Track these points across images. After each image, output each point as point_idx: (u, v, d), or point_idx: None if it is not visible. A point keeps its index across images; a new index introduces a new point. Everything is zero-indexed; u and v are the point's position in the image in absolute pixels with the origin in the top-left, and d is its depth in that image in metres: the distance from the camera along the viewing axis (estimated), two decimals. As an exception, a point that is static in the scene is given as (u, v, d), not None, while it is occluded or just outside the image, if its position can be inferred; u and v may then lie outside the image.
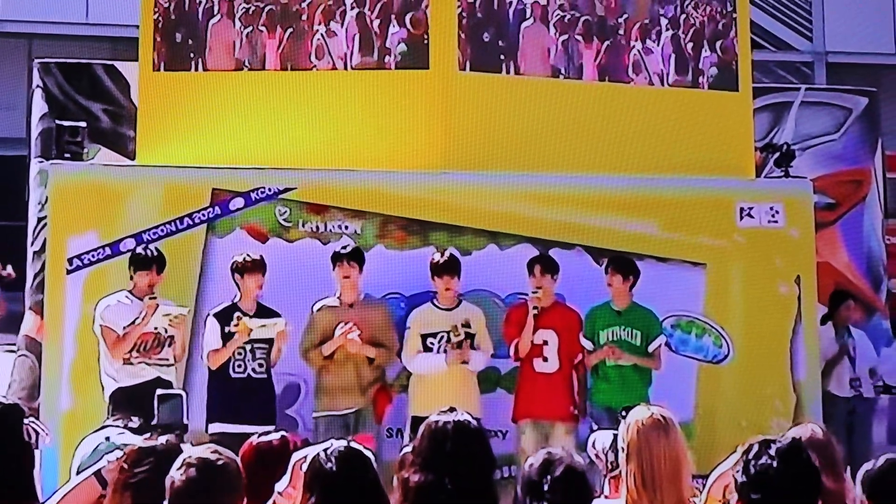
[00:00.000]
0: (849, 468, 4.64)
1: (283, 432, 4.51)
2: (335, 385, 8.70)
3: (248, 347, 8.57)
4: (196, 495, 3.52)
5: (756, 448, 3.58)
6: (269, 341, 8.61)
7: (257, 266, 8.66)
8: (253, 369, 8.60)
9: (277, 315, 8.64)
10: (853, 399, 10.37)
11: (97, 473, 3.88)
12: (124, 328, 8.49)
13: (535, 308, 8.78)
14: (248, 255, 8.73)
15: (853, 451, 9.48)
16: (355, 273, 8.77)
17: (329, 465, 3.71)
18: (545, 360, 8.84)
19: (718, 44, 10.31)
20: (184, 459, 3.59)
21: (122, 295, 8.63)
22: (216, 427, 8.32)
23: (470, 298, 9.01)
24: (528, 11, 9.87)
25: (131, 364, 8.51)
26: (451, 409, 4.27)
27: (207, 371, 8.69)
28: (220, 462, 3.59)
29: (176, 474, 3.54)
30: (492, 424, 8.82)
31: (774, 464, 3.51)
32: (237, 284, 8.71)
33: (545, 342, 8.85)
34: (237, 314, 8.59)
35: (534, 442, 8.61)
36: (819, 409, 9.43)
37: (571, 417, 8.78)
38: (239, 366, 8.58)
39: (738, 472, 3.56)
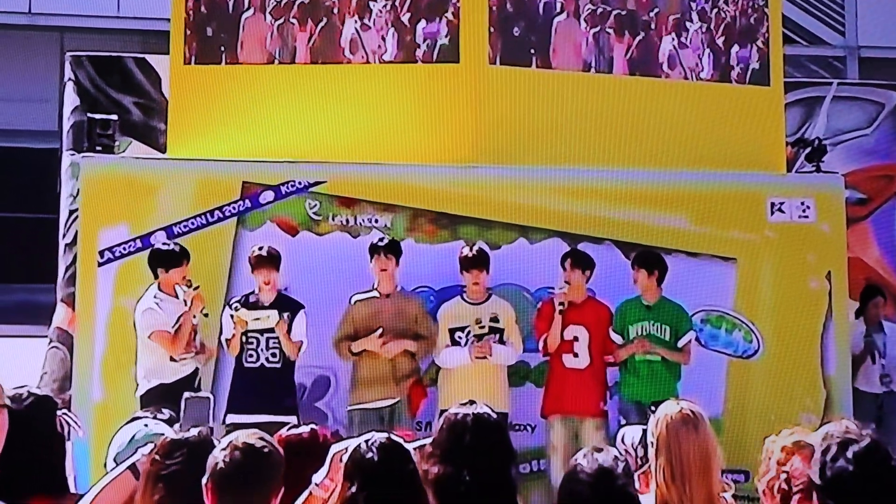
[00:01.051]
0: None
1: (312, 425, 4.51)
2: (371, 377, 8.70)
3: (262, 338, 8.56)
4: (237, 478, 3.52)
5: (834, 449, 3.39)
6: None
7: (263, 261, 8.62)
8: (266, 359, 8.59)
9: (301, 306, 8.65)
10: (882, 395, 10.30)
11: (132, 466, 3.89)
12: (173, 326, 8.48)
13: (561, 304, 8.75)
14: (258, 248, 8.72)
15: (884, 446, 9.39)
16: (392, 265, 8.77)
17: (370, 455, 3.74)
18: (575, 355, 8.81)
19: (750, 38, 10.26)
20: (230, 441, 3.59)
21: (153, 295, 8.59)
22: (231, 418, 8.28)
23: (499, 292, 9.00)
24: (560, 6, 9.85)
25: (175, 361, 8.51)
26: (471, 402, 4.27)
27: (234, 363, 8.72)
28: (265, 449, 3.60)
29: (220, 455, 3.55)
30: (520, 419, 8.85)
31: (851, 467, 3.33)
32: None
33: (576, 338, 8.83)
34: (236, 304, 8.61)
35: (563, 437, 8.61)
36: (850, 404, 9.39)
37: (601, 413, 8.76)
38: (251, 356, 8.58)
39: (814, 472, 3.42)
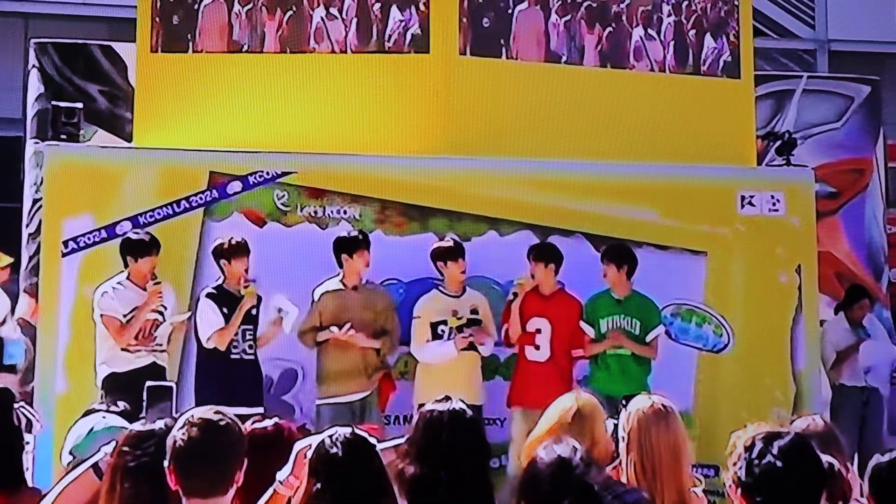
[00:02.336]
0: (856, 459, 4.59)
1: (276, 419, 4.45)
2: (340, 371, 8.63)
3: (240, 330, 8.53)
4: (197, 454, 3.48)
5: (760, 445, 3.40)
6: (255, 321, 8.57)
7: (243, 249, 8.60)
8: (244, 350, 8.56)
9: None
10: (866, 390, 10.31)
11: (94, 466, 3.82)
12: (125, 315, 8.44)
13: (514, 293, 8.75)
14: (232, 238, 8.66)
15: (865, 443, 9.44)
16: (363, 259, 8.72)
17: (334, 450, 3.69)
18: (537, 348, 8.80)
19: (720, 31, 10.24)
20: (186, 419, 3.55)
21: (118, 281, 8.57)
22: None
23: (470, 285, 8.95)
24: (528, -5, 9.81)
25: (128, 351, 8.46)
26: (447, 398, 4.23)
27: (198, 355, 8.63)
28: (222, 422, 3.55)
29: (177, 433, 3.51)
30: (490, 412, 8.79)
31: (779, 463, 3.34)
32: (222, 268, 8.63)
33: (538, 330, 8.80)
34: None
35: (524, 430, 8.56)
36: (819, 398, 9.40)
37: (563, 407, 8.70)
38: (235, 346, 8.54)
39: (740, 469, 3.42)
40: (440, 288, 8.86)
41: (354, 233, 8.82)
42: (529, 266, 8.84)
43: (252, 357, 8.59)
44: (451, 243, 8.87)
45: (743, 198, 9.56)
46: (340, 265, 8.72)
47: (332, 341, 8.62)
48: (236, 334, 8.54)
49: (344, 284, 8.74)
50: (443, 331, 8.75)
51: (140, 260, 8.53)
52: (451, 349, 8.68)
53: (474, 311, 8.79)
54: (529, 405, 8.63)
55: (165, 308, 8.61)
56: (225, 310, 8.51)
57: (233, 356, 8.54)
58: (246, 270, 8.60)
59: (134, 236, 8.69)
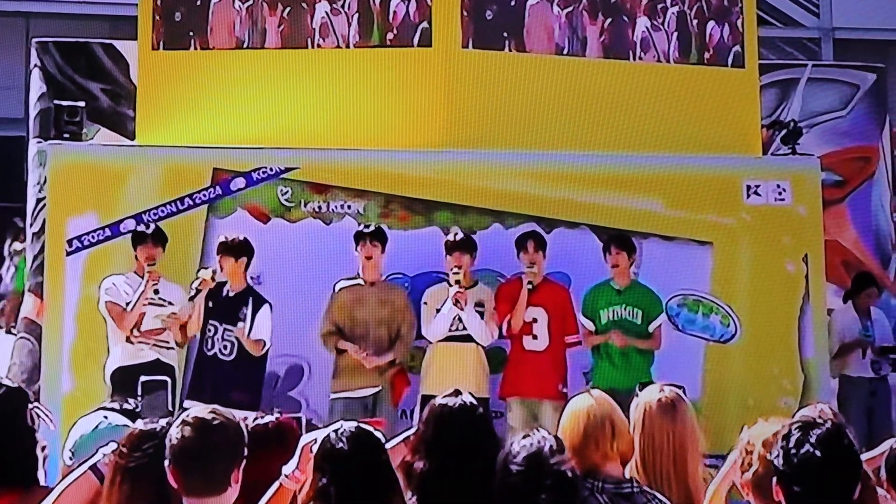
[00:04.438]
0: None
1: (277, 414, 4.43)
2: (354, 365, 8.64)
3: (220, 327, 8.52)
4: (193, 453, 3.49)
5: (797, 434, 3.34)
6: (234, 322, 8.50)
7: (228, 249, 8.59)
8: (220, 350, 8.54)
9: (265, 302, 8.56)
10: (873, 381, 10.28)
11: (93, 467, 3.81)
12: (127, 304, 8.46)
13: (530, 283, 8.73)
14: (226, 237, 8.68)
15: (873, 433, 9.39)
16: (377, 253, 8.72)
17: (340, 444, 3.67)
18: (535, 337, 8.80)
19: (724, 20, 10.20)
20: (182, 418, 3.56)
21: (125, 275, 8.61)
22: (187, 405, 8.08)
23: (475, 277, 8.92)
24: (534, -12, 9.77)
25: (131, 343, 8.47)
26: (457, 392, 4.20)
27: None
28: (215, 421, 3.55)
29: (174, 432, 3.53)
30: (495, 405, 8.78)
31: (818, 453, 3.29)
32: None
33: (535, 320, 8.81)
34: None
35: (521, 419, 8.56)
36: (828, 387, 9.37)
37: (559, 396, 8.68)
38: (207, 343, 8.56)
39: (776, 458, 3.35)
40: (449, 281, 8.84)
41: (372, 227, 8.78)
42: (525, 255, 8.81)
43: (229, 358, 8.52)
44: (458, 236, 8.83)
45: (749, 187, 9.54)
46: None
47: (347, 332, 8.64)
48: (212, 332, 8.52)
49: (364, 280, 8.73)
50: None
51: (139, 248, 8.56)
52: (446, 324, 8.66)
53: (479, 304, 8.76)
54: (526, 394, 8.66)
55: (171, 304, 8.59)
56: (210, 303, 8.51)
57: (206, 352, 8.53)
58: (246, 268, 8.57)
59: (139, 228, 8.72)
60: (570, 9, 9.85)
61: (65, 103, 9.58)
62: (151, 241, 8.57)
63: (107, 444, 3.85)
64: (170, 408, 4.28)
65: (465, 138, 9.36)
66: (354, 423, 3.77)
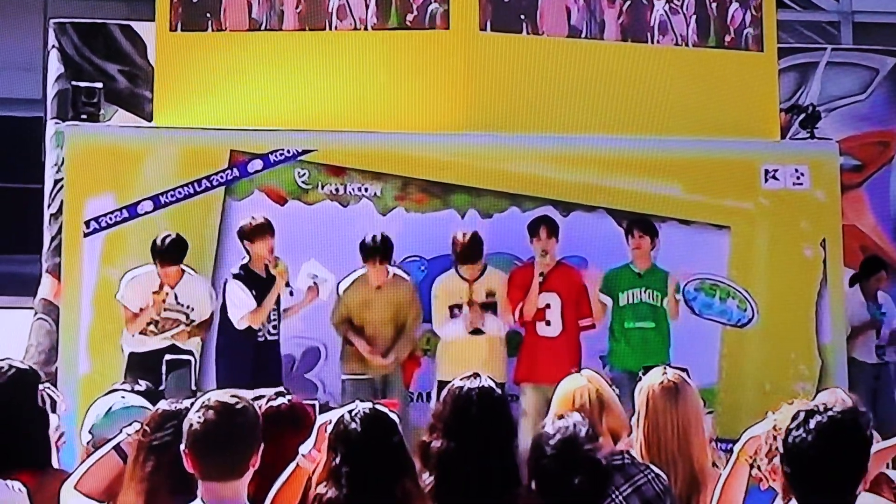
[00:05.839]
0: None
1: (289, 396, 4.43)
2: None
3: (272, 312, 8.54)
4: (214, 438, 3.45)
5: (801, 417, 3.30)
6: (279, 301, 8.56)
7: (265, 229, 8.54)
8: (268, 331, 8.55)
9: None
10: (879, 366, 10.25)
11: (117, 447, 3.82)
12: (140, 308, 8.47)
13: (541, 273, 8.71)
14: (253, 218, 8.62)
15: (878, 417, 9.35)
16: (385, 266, 8.65)
17: (353, 425, 3.67)
18: (548, 323, 8.80)
19: (743, 3, 10.15)
20: (202, 402, 3.52)
21: (147, 270, 8.56)
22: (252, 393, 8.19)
23: (492, 261, 8.91)
24: (549, -30, 9.72)
25: (146, 335, 8.50)
26: (476, 375, 4.22)
27: (218, 337, 8.60)
28: (238, 406, 3.51)
29: (194, 417, 3.48)
30: (511, 389, 8.78)
31: (809, 438, 3.24)
32: (247, 250, 8.60)
33: (548, 305, 8.80)
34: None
35: (535, 404, 8.54)
36: (844, 372, 9.35)
37: (574, 381, 8.67)
38: (260, 328, 8.53)
39: (793, 439, 3.32)
40: (458, 269, 8.82)
41: (378, 239, 8.65)
42: (538, 241, 8.79)
43: (276, 338, 8.60)
44: (465, 240, 8.75)
45: (767, 171, 9.51)
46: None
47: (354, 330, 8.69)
48: (274, 318, 8.55)
49: (370, 284, 8.70)
50: (457, 313, 8.74)
51: (164, 270, 8.46)
52: (460, 328, 8.68)
53: (490, 294, 8.75)
54: (540, 380, 8.63)
55: (192, 309, 8.59)
56: (253, 291, 8.48)
57: (258, 338, 8.53)
58: (272, 249, 8.56)
59: (159, 242, 8.51)
60: (589, -9, 9.82)
61: (82, 84, 9.60)
62: (170, 260, 8.47)
63: (129, 425, 3.86)
64: (193, 387, 4.28)
65: (482, 121, 9.34)
66: (369, 404, 3.76)
